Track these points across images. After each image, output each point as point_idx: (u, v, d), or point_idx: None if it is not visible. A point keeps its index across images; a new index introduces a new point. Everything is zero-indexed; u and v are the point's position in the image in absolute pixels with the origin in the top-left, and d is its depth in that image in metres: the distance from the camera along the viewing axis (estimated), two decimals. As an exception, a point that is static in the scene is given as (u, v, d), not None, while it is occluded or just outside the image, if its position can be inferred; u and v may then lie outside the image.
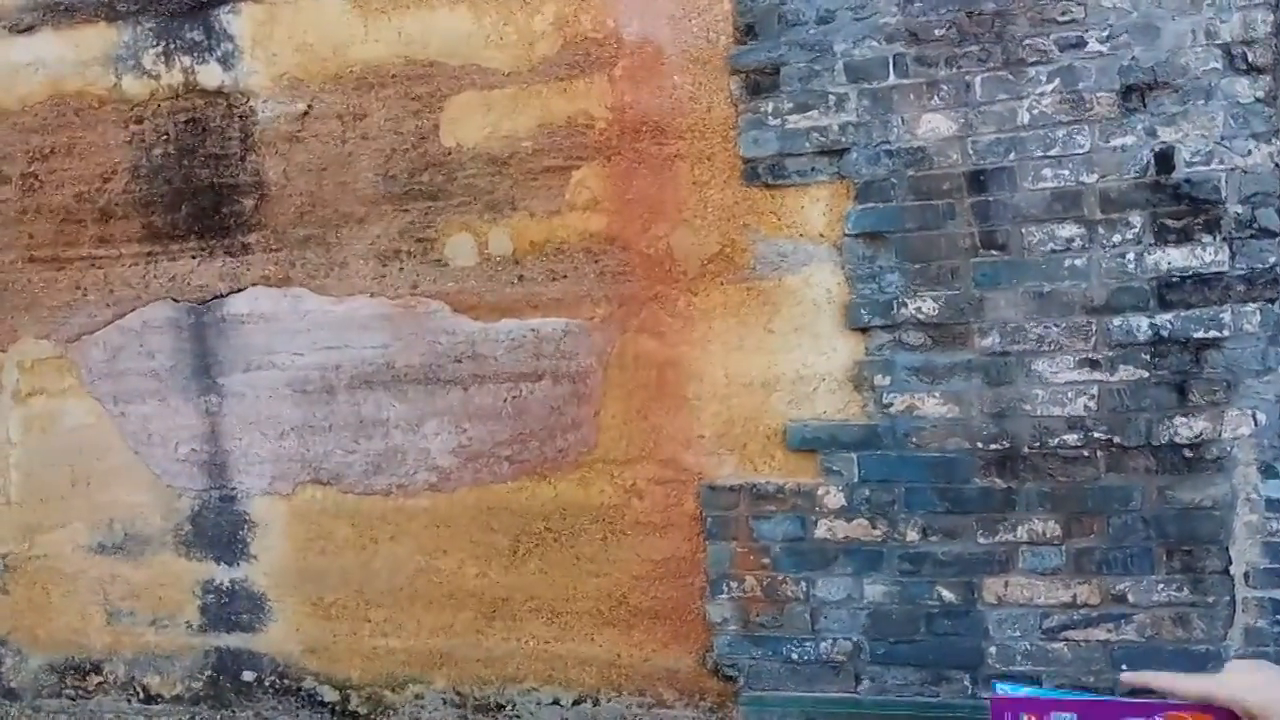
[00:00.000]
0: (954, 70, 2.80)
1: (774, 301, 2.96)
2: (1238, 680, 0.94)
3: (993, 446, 2.81)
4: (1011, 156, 2.77)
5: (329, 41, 3.20)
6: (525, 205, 3.11)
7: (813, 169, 2.90)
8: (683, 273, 3.02)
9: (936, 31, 2.81)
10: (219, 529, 3.44)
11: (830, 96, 2.87)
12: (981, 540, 2.84)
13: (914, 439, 2.85)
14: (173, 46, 3.32)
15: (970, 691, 2.88)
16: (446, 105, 3.14)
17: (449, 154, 3.15)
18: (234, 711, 3.46)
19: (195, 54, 3.30)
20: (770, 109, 2.91)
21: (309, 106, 3.24)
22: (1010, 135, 2.78)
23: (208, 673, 3.49)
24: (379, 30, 3.17)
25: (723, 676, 3.05)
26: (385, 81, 3.18)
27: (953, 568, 2.86)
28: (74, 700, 3.60)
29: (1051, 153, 2.75)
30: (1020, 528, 2.81)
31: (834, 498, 2.92)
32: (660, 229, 3.02)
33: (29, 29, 3.44)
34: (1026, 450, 2.79)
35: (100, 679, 3.57)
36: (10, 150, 3.47)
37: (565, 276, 3.10)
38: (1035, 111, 2.76)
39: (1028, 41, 2.76)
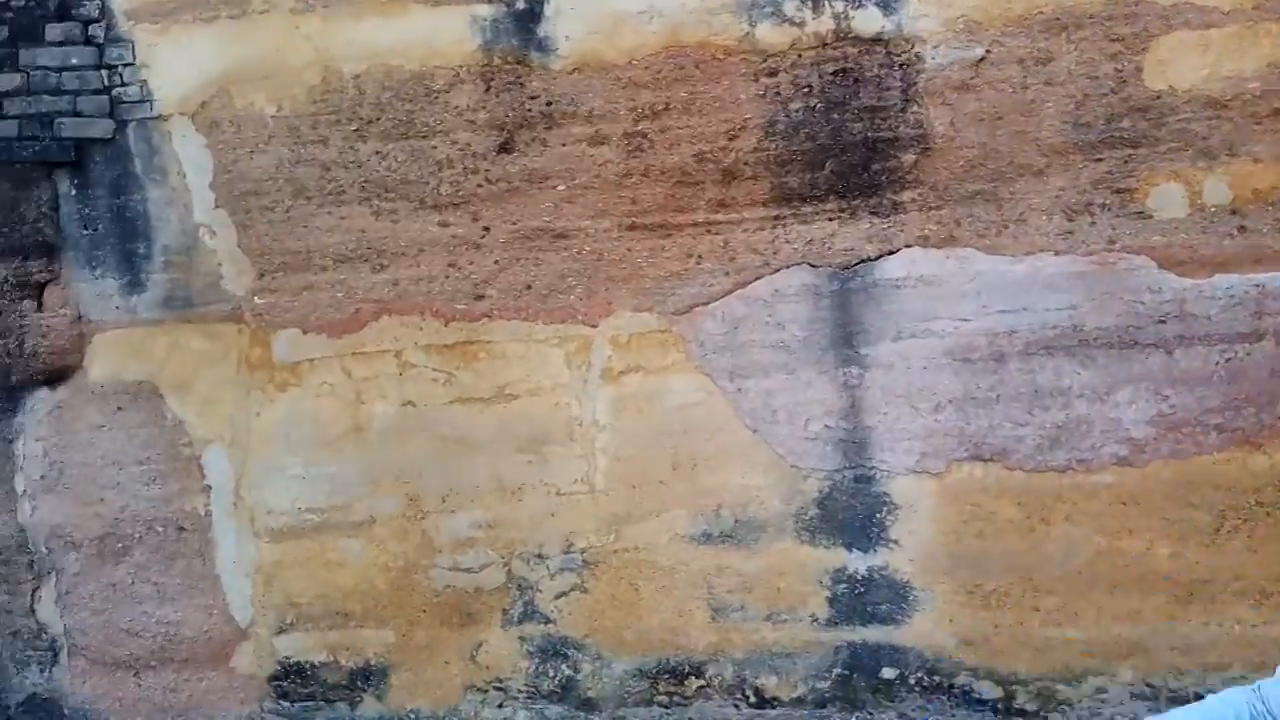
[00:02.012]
0: None
1: None
2: None
3: None
4: None
5: (1015, -19, 2.99)
6: (1248, 150, 2.89)
7: None
8: None
9: None
10: (852, 512, 3.17)
11: None
12: None
13: None
14: (822, -9, 3.08)
15: None
16: (1152, 46, 2.92)
17: (1156, 98, 2.93)
18: (870, 713, 3.17)
19: (850, -1, 3.07)
20: None
21: (986, 51, 3.01)
22: None
23: (837, 671, 3.20)
24: (1076, -33, 2.96)
25: None
26: (1080, 23, 2.95)
27: None
28: (668, 708, 3.29)
29: None
30: None
31: None
32: None
33: (639, -25, 3.19)
34: None
35: (702, 682, 3.27)
36: (611, 108, 3.21)
37: (1297, 227, 2.88)
38: None
39: None
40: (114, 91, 3.44)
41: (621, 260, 3.26)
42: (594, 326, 3.29)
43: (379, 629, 3.45)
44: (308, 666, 3.51)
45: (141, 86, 3.42)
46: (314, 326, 3.42)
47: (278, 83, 3.36)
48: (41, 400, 3.59)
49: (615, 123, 3.21)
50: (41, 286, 3.56)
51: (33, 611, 3.63)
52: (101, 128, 3.45)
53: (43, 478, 3.60)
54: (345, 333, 3.41)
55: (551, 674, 3.36)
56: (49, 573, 3.61)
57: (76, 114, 3.46)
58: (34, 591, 3.62)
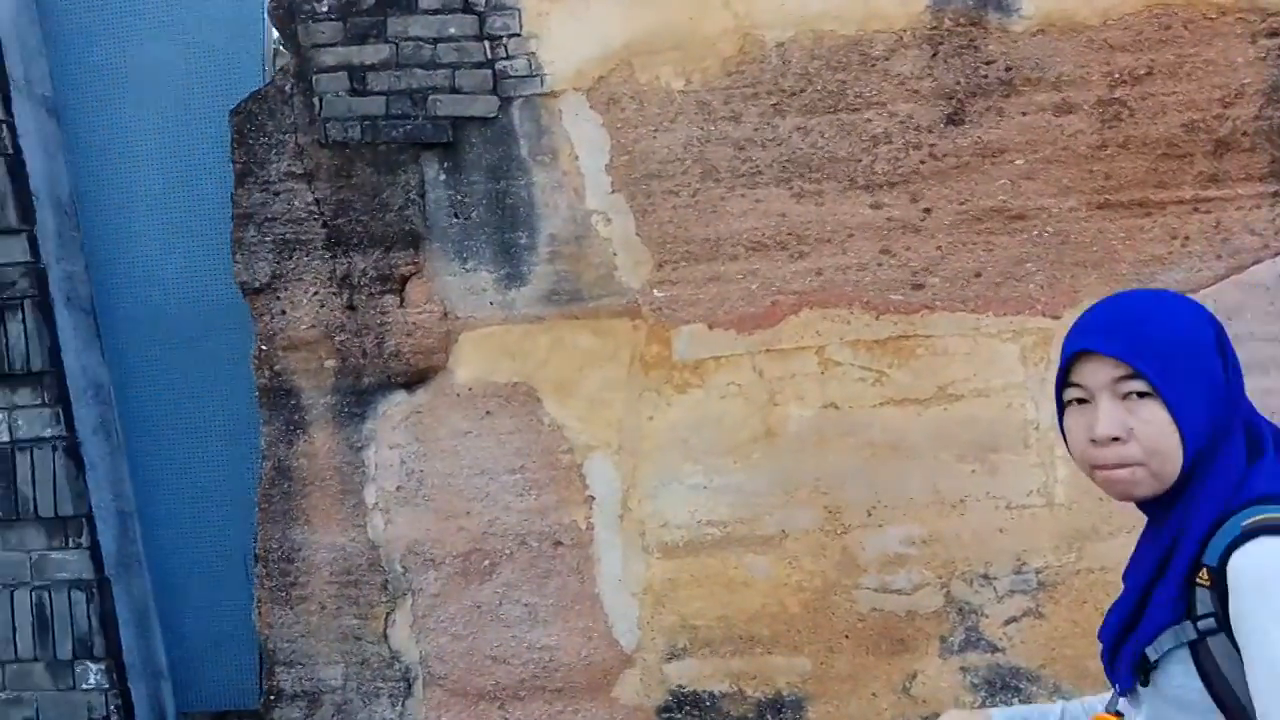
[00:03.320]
0: None
1: None
2: None
3: None
4: None
5: None
6: None
7: None
8: None
9: None
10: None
11: None
12: None
13: None
14: (1344, -64, 2.75)
15: None
16: None
17: None
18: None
19: (1380, -56, 2.73)
20: None
21: None
22: None
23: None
24: None
25: None
26: None
27: None
28: (1139, 746, 2.93)
29: None
30: None
31: None
32: None
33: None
34: None
35: None
36: (1082, 73, 2.87)
37: None
38: None
39: None
40: (497, 65, 3.14)
41: (1091, 243, 2.91)
42: (1056, 318, 2.94)
43: (792, 656, 3.11)
44: (706, 697, 3.17)
45: (529, 60, 3.13)
46: (722, 321, 3.10)
47: (688, 54, 3.05)
48: (397, 404, 3.28)
49: (1087, 89, 2.88)
50: (405, 280, 3.26)
51: (385, 637, 3.32)
52: (483, 105, 3.16)
53: (399, 489, 3.29)
54: (758, 328, 3.08)
55: (1000, 708, 3.00)
56: (404, 594, 3.30)
57: (454, 90, 3.17)
58: (387, 615, 3.31)
